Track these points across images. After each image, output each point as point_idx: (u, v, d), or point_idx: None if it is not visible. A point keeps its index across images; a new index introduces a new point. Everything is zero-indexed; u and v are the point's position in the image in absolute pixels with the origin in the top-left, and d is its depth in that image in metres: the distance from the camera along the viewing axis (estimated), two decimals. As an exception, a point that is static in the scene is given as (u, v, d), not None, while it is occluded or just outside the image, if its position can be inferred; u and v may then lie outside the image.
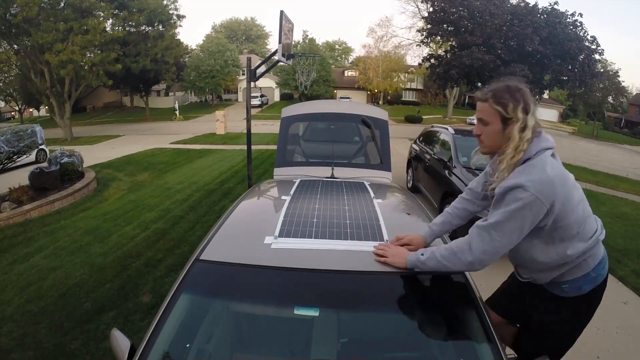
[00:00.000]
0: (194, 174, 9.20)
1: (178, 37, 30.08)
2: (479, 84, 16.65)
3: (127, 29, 25.03)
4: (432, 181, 6.18)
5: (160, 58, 26.85)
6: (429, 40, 18.54)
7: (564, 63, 14.69)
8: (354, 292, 1.35)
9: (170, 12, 27.69)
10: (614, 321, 3.43)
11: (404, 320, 1.41)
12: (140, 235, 5.12)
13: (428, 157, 6.63)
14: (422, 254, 1.33)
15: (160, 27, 27.49)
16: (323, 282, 1.34)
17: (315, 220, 1.69)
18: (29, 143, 9.01)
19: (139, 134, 21.30)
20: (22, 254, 4.56)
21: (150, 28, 26.89)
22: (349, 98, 36.40)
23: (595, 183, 10.62)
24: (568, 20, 14.51)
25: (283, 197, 2.02)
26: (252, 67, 5.61)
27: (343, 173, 2.96)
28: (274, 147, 3.94)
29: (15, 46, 20.28)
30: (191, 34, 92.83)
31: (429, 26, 17.47)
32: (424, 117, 31.70)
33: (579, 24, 14.52)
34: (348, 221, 1.69)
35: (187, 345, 1.28)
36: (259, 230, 1.61)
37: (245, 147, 6.96)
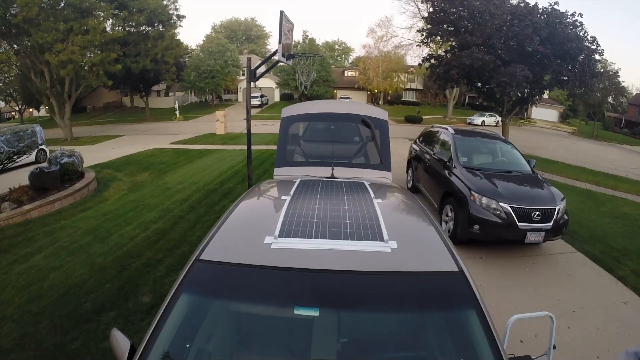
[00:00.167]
0: (194, 174, 9.20)
1: (178, 37, 30.07)
2: (479, 84, 16.64)
3: (127, 29, 24.98)
4: (432, 181, 6.18)
5: (160, 58, 26.83)
6: (429, 40, 18.48)
7: (564, 63, 14.65)
8: (353, 292, 1.34)
9: (170, 12, 27.65)
10: (614, 321, 3.43)
11: (403, 320, 1.41)
12: (140, 236, 5.12)
13: (428, 157, 6.63)
14: None
15: (160, 27, 27.45)
16: (323, 282, 1.34)
17: (315, 220, 1.68)
18: (29, 143, 9.01)
19: (139, 134, 21.29)
20: (22, 254, 4.56)
21: (150, 28, 26.85)
22: (349, 98, 36.39)
23: (595, 183, 10.62)
24: (568, 20, 14.47)
25: (283, 197, 2.02)
26: (252, 67, 5.61)
27: (343, 173, 2.96)
28: (274, 147, 3.94)
29: (15, 46, 20.25)
30: (191, 34, 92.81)
31: (429, 26, 17.41)
32: (424, 117, 31.71)
33: (579, 24, 14.49)
34: (348, 221, 1.68)
35: (187, 345, 1.28)
36: (259, 230, 1.61)
37: (245, 147, 6.96)
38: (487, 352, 1.19)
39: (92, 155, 11.61)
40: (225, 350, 1.39)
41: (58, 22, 18.38)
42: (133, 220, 5.74)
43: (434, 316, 1.40)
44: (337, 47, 64.32)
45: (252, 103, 7.75)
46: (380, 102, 42.00)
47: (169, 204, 6.58)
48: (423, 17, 23.12)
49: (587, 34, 14.53)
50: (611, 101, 45.24)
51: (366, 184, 2.43)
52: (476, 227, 4.60)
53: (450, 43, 17.63)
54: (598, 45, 14.63)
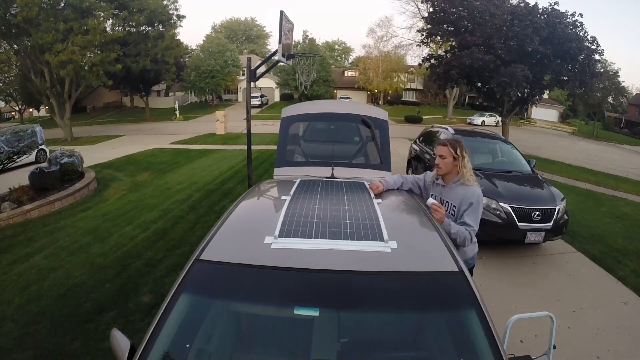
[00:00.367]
0: (194, 174, 9.21)
1: (178, 37, 30.09)
2: (479, 84, 16.63)
3: (127, 29, 24.98)
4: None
5: (160, 58, 26.84)
6: (429, 40, 18.47)
7: (564, 63, 14.64)
8: (353, 292, 1.34)
9: (170, 12, 27.68)
10: (614, 321, 3.43)
11: (403, 320, 1.41)
12: (141, 236, 5.12)
13: (428, 157, 6.63)
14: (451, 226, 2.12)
15: (160, 27, 27.46)
16: (323, 282, 1.34)
17: (315, 220, 1.68)
18: (29, 143, 9.02)
19: (139, 134, 21.30)
20: (22, 254, 4.56)
21: (150, 28, 26.87)
22: (349, 98, 36.37)
23: (595, 183, 10.62)
24: (568, 20, 14.46)
25: (283, 197, 2.02)
26: (252, 67, 5.61)
27: (343, 173, 2.96)
28: (274, 147, 3.94)
29: (15, 46, 20.26)
30: (191, 34, 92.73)
31: (428, 26, 17.41)
32: (424, 117, 31.72)
33: (579, 24, 14.48)
34: (348, 221, 1.68)
35: (187, 346, 1.28)
36: (259, 230, 1.60)
37: (245, 147, 6.96)
38: (487, 352, 1.19)
39: (92, 155, 11.62)
40: (225, 350, 1.39)
41: (58, 22, 18.39)
42: (133, 220, 5.74)
43: (434, 316, 1.40)
44: (337, 47, 64.33)
45: (252, 103, 7.76)
46: (380, 102, 42.00)
47: (169, 204, 6.58)
48: (423, 17, 23.12)
49: (587, 34, 14.52)
50: (611, 101, 45.27)
51: (366, 184, 2.43)
52: (476, 227, 4.59)
53: (450, 43, 17.62)
54: (598, 45, 14.62)
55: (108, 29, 22.74)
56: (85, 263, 4.27)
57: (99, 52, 20.96)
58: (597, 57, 14.90)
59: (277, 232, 1.54)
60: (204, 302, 1.43)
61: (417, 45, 23.23)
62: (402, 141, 15.06)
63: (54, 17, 18.59)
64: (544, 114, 43.78)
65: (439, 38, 18.41)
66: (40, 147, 11.64)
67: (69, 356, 2.74)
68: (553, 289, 4.03)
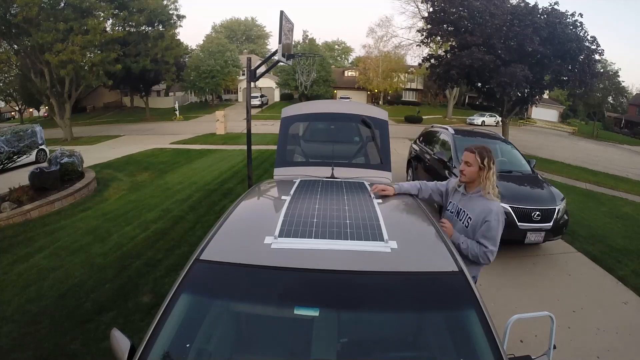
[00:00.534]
0: (194, 174, 9.20)
1: (178, 37, 30.09)
2: (479, 84, 16.62)
3: (127, 29, 24.99)
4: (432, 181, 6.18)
5: (160, 58, 26.84)
6: (429, 40, 18.46)
7: (564, 63, 14.63)
8: (353, 292, 1.34)
9: (170, 12, 27.69)
10: (614, 321, 3.43)
11: (403, 320, 1.41)
12: (141, 236, 5.12)
13: (428, 157, 6.63)
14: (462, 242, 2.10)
15: (160, 27, 27.48)
16: (323, 282, 1.34)
17: (315, 220, 1.68)
18: (29, 143, 9.03)
19: (139, 134, 21.30)
20: (22, 254, 4.56)
21: (150, 28, 26.88)
22: (349, 98, 36.33)
23: (595, 183, 10.62)
24: (568, 20, 14.45)
25: (283, 197, 2.02)
26: (252, 67, 5.61)
27: (343, 173, 2.96)
28: (274, 147, 3.94)
29: (15, 46, 20.26)
30: (191, 34, 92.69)
31: (429, 26, 17.40)
32: (424, 117, 31.70)
33: (579, 24, 14.47)
34: (348, 221, 1.68)
35: (187, 346, 1.28)
36: (259, 230, 1.60)
37: (245, 147, 6.96)
38: (487, 352, 1.19)
39: (92, 155, 11.61)
40: (225, 350, 1.39)
41: (58, 22, 18.40)
42: (133, 220, 5.74)
43: (434, 316, 1.40)
44: (337, 47, 64.32)
45: (252, 103, 7.75)
46: (380, 102, 41.98)
47: (169, 204, 6.58)
48: (423, 17, 23.11)
49: (587, 34, 14.51)
50: (611, 101, 45.31)
51: (366, 184, 2.43)
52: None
53: (450, 43, 17.61)
54: (598, 45, 14.61)
55: (108, 29, 22.76)
56: (85, 263, 4.27)
57: (99, 52, 20.97)
58: (597, 57, 14.89)
59: (277, 232, 1.54)
60: (204, 302, 1.43)
61: (417, 45, 23.19)
62: (402, 141, 15.06)
63: (54, 17, 18.60)
64: (544, 114, 43.76)
65: (439, 38, 18.40)
66: (40, 147, 11.65)
67: (69, 356, 2.74)
68: (553, 289, 4.03)
